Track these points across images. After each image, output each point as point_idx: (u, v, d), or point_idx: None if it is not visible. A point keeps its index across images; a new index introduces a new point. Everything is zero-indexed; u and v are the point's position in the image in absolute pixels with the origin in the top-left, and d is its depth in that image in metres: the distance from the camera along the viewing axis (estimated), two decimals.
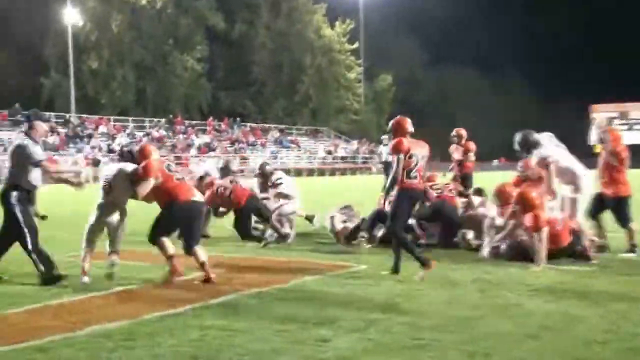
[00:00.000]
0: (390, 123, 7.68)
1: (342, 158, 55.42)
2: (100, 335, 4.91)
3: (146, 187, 7.12)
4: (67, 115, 46.12)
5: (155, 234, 7.18)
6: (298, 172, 48.62)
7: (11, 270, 7.65)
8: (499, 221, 8.64)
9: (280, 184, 10.84)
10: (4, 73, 53.30)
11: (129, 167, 7.31)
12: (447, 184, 10.64)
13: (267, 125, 59.23)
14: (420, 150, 7.45)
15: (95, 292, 6.50)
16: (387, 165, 18.02)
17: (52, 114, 45.94)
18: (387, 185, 7.49)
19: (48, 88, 56.37)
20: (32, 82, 54.61)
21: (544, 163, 8.69)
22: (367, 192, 19.31)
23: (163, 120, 50.78)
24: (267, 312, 5.62)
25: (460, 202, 10.22)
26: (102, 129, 45.21)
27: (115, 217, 7.38)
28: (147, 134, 46.68)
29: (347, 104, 67.88)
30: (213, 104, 63.54)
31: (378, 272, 7.48)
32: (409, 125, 7.52)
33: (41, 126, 7.46)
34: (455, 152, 13.33)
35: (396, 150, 7.35)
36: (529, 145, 8.91)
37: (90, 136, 43.14)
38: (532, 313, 5.57)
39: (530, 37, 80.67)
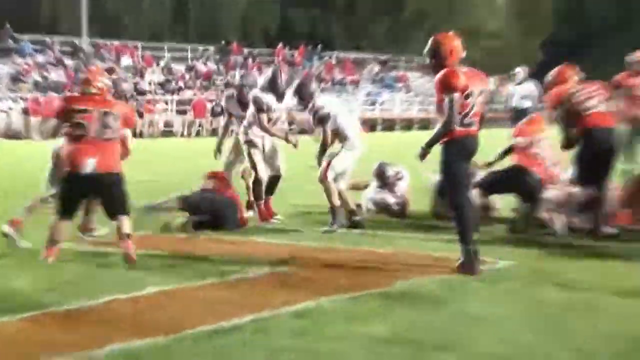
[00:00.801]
0: (430, 42, 7.60)
1: None
2: (123, 357, 5.02)
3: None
4: (76, 41, 46.51)
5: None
6: (407, 124, 48.42)
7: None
8: None
9: (325, 114, 9.92)
10: None
11: None
12: None
13: (361, 56, 59.03)
14: (478, 86, 7.44)
15: (118, 295, 6.66)
16: (518, 114, 17.59)
17: (55, 39, 46.34)
18: (435, 135, 7.47)
19: (49, 2, 57.82)
20: None
21: None
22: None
23: (212, 48, 51.38)
24: (363, 327, 5.64)
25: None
26: (126, 60, 45.56)
27: None
28: (190, 68, 47.23)
29: (481, 22, 66.88)
30: (283, 25, 63.86)
31: (529, 271, 7.44)
32: (460, 47, 7.46)
33: None
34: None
35: (448, 87, 7.32)
36: None
37: (110, 71, 43.03)
38: None
39: None
